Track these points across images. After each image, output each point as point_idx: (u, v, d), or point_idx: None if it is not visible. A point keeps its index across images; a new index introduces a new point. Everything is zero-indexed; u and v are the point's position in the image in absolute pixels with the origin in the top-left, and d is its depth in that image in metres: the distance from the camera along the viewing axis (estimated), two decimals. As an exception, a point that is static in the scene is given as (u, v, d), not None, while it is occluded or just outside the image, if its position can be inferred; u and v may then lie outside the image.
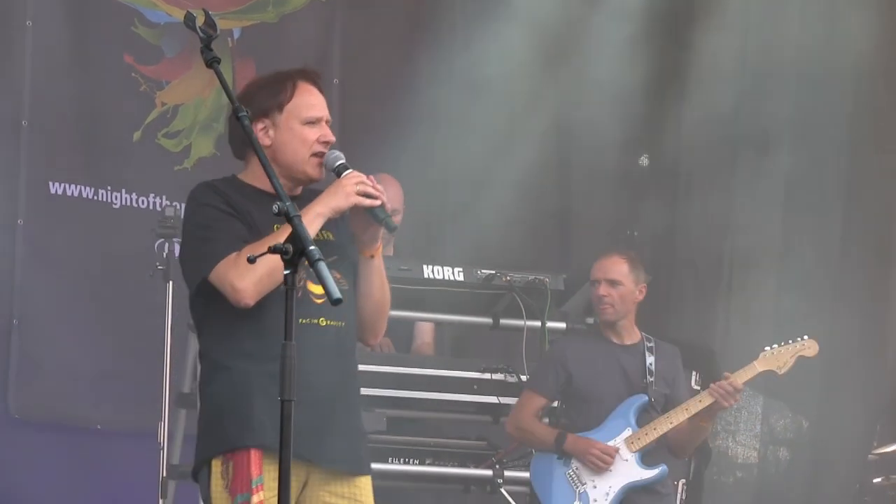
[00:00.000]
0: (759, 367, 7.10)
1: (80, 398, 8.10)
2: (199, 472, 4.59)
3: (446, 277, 6.88)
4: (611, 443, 6.94)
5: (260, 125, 4.65)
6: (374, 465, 6.41)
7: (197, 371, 6.69)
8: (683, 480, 7.67)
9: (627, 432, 7.01)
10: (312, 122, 4.68)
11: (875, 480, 9.62)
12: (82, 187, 8.39)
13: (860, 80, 8.67)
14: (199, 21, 4.11)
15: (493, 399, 7.05)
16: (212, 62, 4.17)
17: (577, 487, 6.96)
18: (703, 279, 8.73)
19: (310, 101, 4.73)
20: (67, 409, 8.10)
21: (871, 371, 8.84)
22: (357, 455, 4.68)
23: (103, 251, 8.29)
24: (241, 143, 4.70)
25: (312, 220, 4.46)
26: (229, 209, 4.61)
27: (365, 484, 4.68)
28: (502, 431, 7.16)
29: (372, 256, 4.68)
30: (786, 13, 8.79)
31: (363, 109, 8.79)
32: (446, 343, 7.49)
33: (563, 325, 7.27)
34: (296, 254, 4.01)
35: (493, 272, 6.95)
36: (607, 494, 6.95)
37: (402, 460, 6.87)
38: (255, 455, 4.48)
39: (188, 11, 4.12)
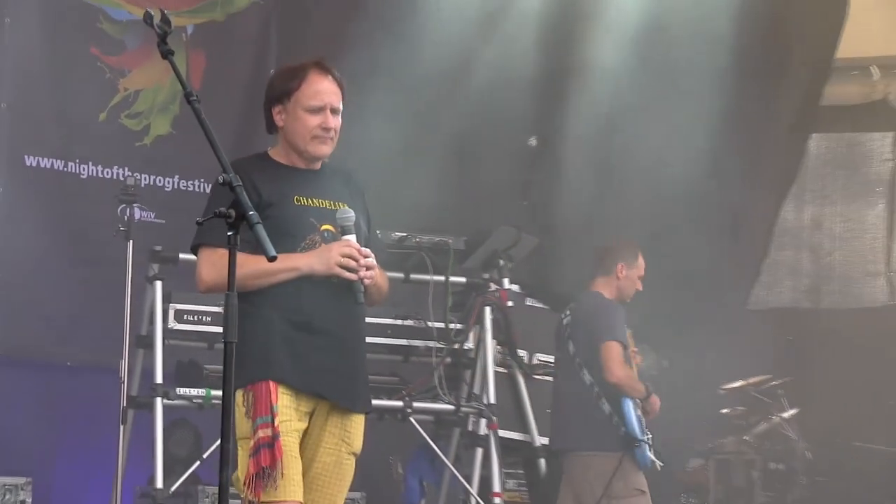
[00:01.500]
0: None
1: (53, 339, 8.14)
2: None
3: None
4: None
5: (276, 109, 4.64)
6: None
7: (154, 314, 6.81)
8: None
9: None
10: (315, 110, 4.60)
11: (723, 411, 9.84)
12: (54, 160, 8.38)
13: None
14: (157, 19, 4.09)
15: (403, 342, 7.07)
16: (166, 54, 4.12)
17: (643, 424, 6.97)
18: (578, 239, 8.81)
19: (316, 90, 4.63)
20: (42, 348, 8.14)
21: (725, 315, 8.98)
22: (356, 394, 4.62)
23: (73, 215, 8.32)
24: (270, 123, 4.69)
25: (289, 270, 4.46)
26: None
27: (357, 421, 4.62)
28: (412, 369, 7.15)
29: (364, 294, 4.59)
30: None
31: None
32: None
33: (463, 279, 7.27)
34: (238, 218, 4.01)
35: (405, 234, 7.00)
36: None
37: None
38: (273, 386, 4.43)
39: (147, 10, 4.12)
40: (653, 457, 6.95)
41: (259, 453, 4.37)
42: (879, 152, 11.11)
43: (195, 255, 4.59)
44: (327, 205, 4.55)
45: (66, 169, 8.42)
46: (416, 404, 6.98)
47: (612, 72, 8.73)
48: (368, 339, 6.54)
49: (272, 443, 4.37)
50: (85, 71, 8.52)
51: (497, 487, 7.01)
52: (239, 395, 4.46)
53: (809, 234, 11.03)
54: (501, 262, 7.34)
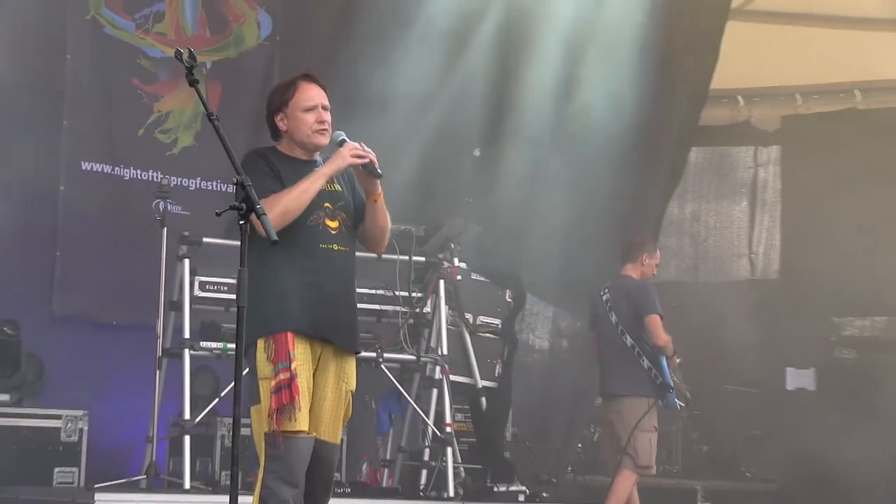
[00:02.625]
0: None
1: (102, 304, 8.10)
2: (248, 349, 4.35)
3: None
4: None
5: (278, 117, 4.55)
6: None
7: (183, 285, 6.80)
8: (500, 360, 7.66)
9: None
10: (310, 109, 4.52)
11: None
12: (104, 165, 8.34)
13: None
14: (185, 55, 4.14)
15: (376, 306, 7.02)
16: (193, 83, 4.12)
17: (675, 375, 7.12)
18: (511, 228, 8.83)
19: (307, 95, 4.54)
20: (94, 311, 8.11)
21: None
22: (353, 338, 4.54)
23: (118, 208, 8.27)
24: (274, 133, 4.61)
25: (318, 179, 4.40)
26: (268, 169, 4.46)
27: (352, 363, 4.54)
28: (383, 328, 7.09)
29: (375, 200, 4.53)
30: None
31: None
32: None
33: (423, 259, 7.22)
34: (248, 210, 4.01)
35: None
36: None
37: None
38: (290, 336, 4.35)
39: (177, 49, 4.12)
40: (679, 401, 7.13)
41: (280, 392, 4.29)
42: (744, 162, 11.21)
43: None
44: (326, 187, 4.48)
45: (113, 172, 8.36)
46: (386, 355, 6.95)
47: (540, 99, 8.69)
48: (350, 305, 6.80)
49: (290, 384, 4.29)
50: (127, 96, 8.49)
51: (448, 419, 7.02)
52: (261, 342, 4.37)
53: (690, 224, 11.12)
54: (452, 245, 7.35)
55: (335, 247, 4.47)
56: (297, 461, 4.32)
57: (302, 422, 4.32)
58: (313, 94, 4.56)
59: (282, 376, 4.31)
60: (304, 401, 4.33)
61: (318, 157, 4.59)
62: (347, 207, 4.54)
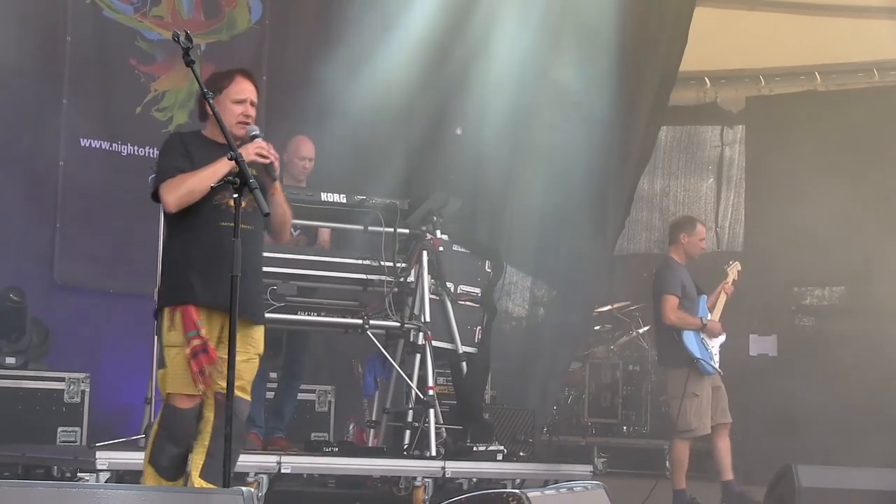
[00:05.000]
0: (732, 275, 7.65)
1: (101, 273, 8.12)
2: (157, 315, 4.67)
3: (335, 200, 6.79)
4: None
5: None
6: (287, 316, 6.51)
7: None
8: (479, 326, 7.56)
9: (709, 314, 7.48)
10: (239, 102, 4.66)
11: (595, 328, 9.98)
12: (102, 142, 8.35)
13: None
14: (182, 37, 4.19)
15: (363, 276, 6.93)
16: (189, 63, 4.25)
17: (708, 347, 7.38)
18: (491, 201, 8.82)
19: (240, 88, 4.69)
20: (93, 279, 8.12)
21: (598, 258, 8.95)
22: (253, 309, 4.67)
23: (115, 182, 8.25)
24: (202, 113, 4.77)
25: (223, 166, 4.46)
26: (182, 151, 4.65)
27: (258, 330, 4.71)
28: (369, 296, 7.01)
29: (272, 194, 4.63)
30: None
31: (283, 96, 8.74)
32: (336, 240, 7.49)
33: (407, 231, 7.12)
34: (242, 184, 4.14)
35: (364, 197, 6.87)
36: (717, 349, 7.41)
37: (306, 313, 6.70)
38: (193, 308, 4.54)
39: (174, 31, 4.18)
40: (715, 367, 7.34)
41: (198, 356, 4.49)
42: (711, 141, 11.28)
43: (159, 198, 4.63)
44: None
45: (111, 148, 8.36)
46: (371, 322, 6.88)
47: (518, 79, 8.71)
48: (337, 275, 6.76)
49: (205, 348, 4.50)
50: (125, 76, 8.48)
51: (431, 383, 6.96)
52: (167, 311, 4.59)
53: (660, 199, 11.20)
54: (435, 218, 7.30)
55: (241, 225, 4.49)
56: (183, 424, 4.57)
57: (215, 383, 4.51)
58: (245, 88, 4.69)
59: (195, 342, 4.50)
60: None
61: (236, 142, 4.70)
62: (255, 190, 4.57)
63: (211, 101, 4.47)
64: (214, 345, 4.59)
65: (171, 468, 4.63)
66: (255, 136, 4.61)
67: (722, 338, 7.49)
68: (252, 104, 4.70)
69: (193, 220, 4.56)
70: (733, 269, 7.64)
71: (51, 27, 8.15)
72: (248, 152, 4.49)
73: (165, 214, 4.63)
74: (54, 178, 8.15)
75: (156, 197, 4.67)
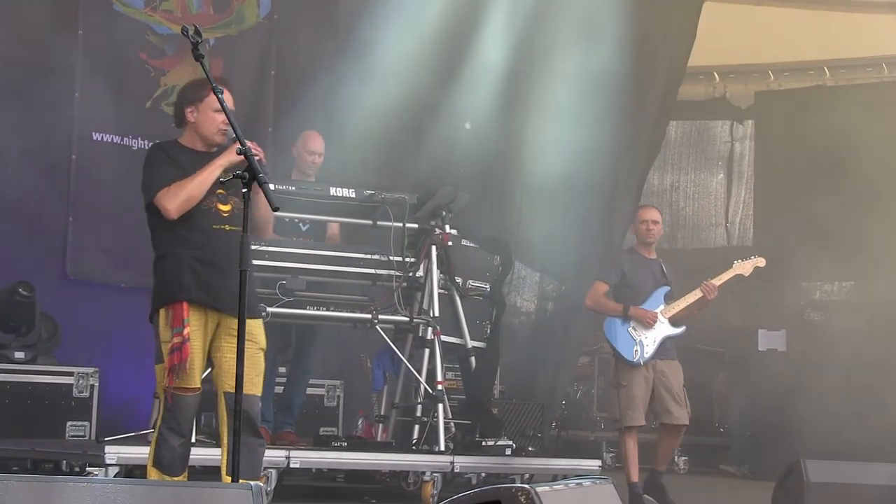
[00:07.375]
0: (731, 273, 7.19)
1: (111, 267, 8.10)
2: (153, 316, 4.68)
3: (344, 194, 6.77)
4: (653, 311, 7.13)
5: (189, 109, 4.73)
6: (296, 310, 6.49)
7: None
8: (488, 321, 7.52)
9: (661, 307, 7.15)
10: (219, 111, 4.62)
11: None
12: (113, 136, 8.32)
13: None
14: (191, 32, 4.17)
15: (371, 270, 6.88)
16: (199, 57, 4.20)
17: (635, 337, 7.09)
18: (499, 197, 8.83)
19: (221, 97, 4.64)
20: (104, 273, 8.11)
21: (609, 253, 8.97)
22: (253, 303, 4.62)
23: (126, 176, 8.07)
24: (179, 120, 4.77)
25: (215, 169, 4.59)
26: (168, 160, 4.68)
27: (257, 324, 4.69)
28: (378, 291, 6.99)
29: (255, 192, 4.42)
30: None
31: (290, 91, 8.73)
32: (345, 235, 7.48)
33: (416, 225, 7.08)
34: (251, 178, 4.11)
35: (373, 192, 6.85)
36: (654, 341, 7.09)
37: (315, 308, 6.69)
38: (185, 305, 4.58)
39: (183, 25, 4.15)
40: (639, 358, 7.05)
41: (173, 354, 4.54)
42: (720, 136, 11.25)
43: (154, 206, 4.63)
44: (223, 175, 4.61)
45: (122, 142, 8.33)
46: (381, 316, 6.87)
47: (531, 71, 8.73)
48: (346, 269, 6.74)
49: (181, 347, 4.54)
50: (136, 70, 8.45)
51: (440, 377, 6.96)
52: (162, 311, 4.64)
53: (669, 194, 11.17)
54: (444, 213, 7.29)
55: (227, 227, 4.65)
56: (184, 414, 4.67)
57: (191, 379, 4.61)
58: (226, 98, 4.60)
59: (175, 340, 4.57)
60: (196, 361, 4.59)
61: (214, 150, 4.74)
62: (239, 193, 4.53)
63: (220, 96, 4.43)
64: (210, 343, 4.65)
65: (174, 463, 4.65)
66: (237, 138, 4.55)
67: (668, 330, 7.13)
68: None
69: (185, 225, 4.63)
70: (744, 266, 7.24)
71: (63, 22, 8.11)
72: (231, 152, 4.55)
73: (154, 223, 4.68)
74: (67, 171, 8.14)
75: (150, 208, 4.69)
